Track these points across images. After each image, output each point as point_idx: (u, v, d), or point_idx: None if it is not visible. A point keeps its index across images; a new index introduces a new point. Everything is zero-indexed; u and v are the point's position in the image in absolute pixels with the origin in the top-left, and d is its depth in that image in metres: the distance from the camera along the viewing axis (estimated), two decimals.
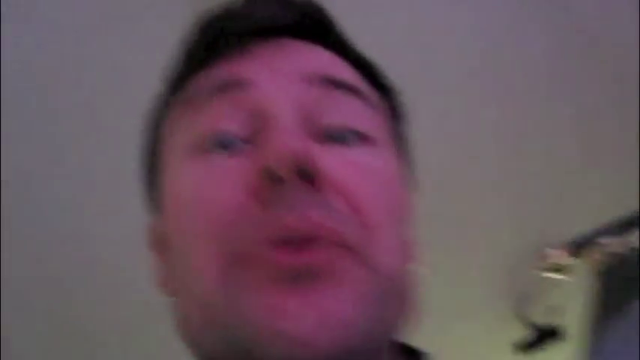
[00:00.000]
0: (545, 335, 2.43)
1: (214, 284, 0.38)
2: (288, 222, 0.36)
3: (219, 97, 0.43)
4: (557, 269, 1.90)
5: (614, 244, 1.83)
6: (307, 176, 0.37)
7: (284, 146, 0.37)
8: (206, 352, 0.40)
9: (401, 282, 0.41)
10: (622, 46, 1.80)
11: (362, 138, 0.43)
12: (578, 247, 1.81)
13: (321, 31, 0.48)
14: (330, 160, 0.40)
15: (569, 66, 1.86)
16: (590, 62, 1.84)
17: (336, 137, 0.42)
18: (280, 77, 0.43)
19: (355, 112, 0.44)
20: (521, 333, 2.50)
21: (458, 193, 1.99)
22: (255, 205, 0.38)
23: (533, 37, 1.83)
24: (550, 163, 2.11)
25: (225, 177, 0.40)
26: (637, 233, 1.92)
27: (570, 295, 2.37)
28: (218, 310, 0.37)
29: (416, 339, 0.47)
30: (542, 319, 2.49)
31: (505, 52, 1.84)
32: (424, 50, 1.72)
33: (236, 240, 0.38)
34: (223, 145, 0.42)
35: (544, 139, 2.05)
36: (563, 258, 1.86)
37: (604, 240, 1.78)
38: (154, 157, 0.49)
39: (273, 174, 0.37)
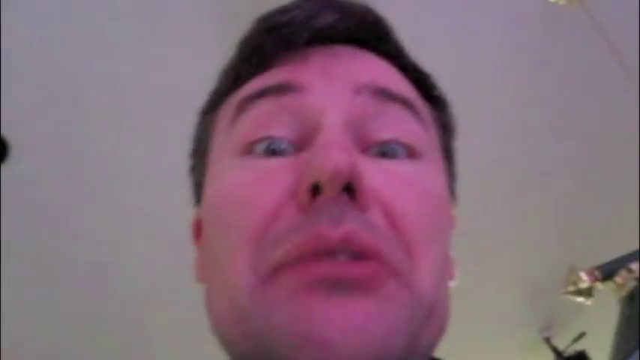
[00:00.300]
0: None
1: (249, 296, 0.37)
2: (326, 232, 0.36)
3: (271, 99, 0.42)
4: (586, 294, 1.86)
5: None
6: (352, 192, 0.37)
7: (331, 161, 0.36)
8: (232, 347, 0.40)
9: (439, 305, 0.40)
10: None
11: (410, 152, 0.42)
12: (608, 271, 1.77)
13: (378, 40, 0.47)
14: (376, 176, 0.39)
15: (602, 94, 1.85)
16: (618, 87, 1.82)
17: (384, 150, 0.41)
18: (334, 86, 0.42)
19: (405, 126, 0.43)
20: (547, 358, 2.46)
21: (485, 217, 1.97)
22: (295, 210, 0.38)
23: (559, 70, 1.83)
24: (580, 187, 2.09)
25: (267, 180, 0.39)
26: None
27: (597, 321, 2.33)
28: (251, 318, 0.37)
29: None
30: (569, 344, 2.44)
31: (534, 80, 1.83)
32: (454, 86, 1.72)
33: (272, 244, 0.37)
34: (270, 149, 0.41)
35: (575, 163, 2.03)
36: (592, 282, 1.82)
37: (634, 265, 1.74)
38: (202, 149, 0.49)
39: (317, 188, 0.37)
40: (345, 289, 0.35)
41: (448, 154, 0.49)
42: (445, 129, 0.49)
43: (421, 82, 0.48)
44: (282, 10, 0.44)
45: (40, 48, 1.55)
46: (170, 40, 1.59)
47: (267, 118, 0.42)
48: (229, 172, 0.42)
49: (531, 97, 1.88)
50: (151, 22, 1.56)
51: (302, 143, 0.41)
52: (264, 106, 0.42)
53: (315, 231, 0.36)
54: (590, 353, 2.38)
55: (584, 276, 1.78)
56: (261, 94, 0.43)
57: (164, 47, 1.60)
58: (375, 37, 0.47)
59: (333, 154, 0.36)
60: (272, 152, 0.41)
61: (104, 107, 1.70)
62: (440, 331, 0.41)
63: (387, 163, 0.41)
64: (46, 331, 2.17)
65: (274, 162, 0.40)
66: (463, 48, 1.74)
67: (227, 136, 0.44)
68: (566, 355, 2.43)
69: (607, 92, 1.86)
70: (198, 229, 0.48)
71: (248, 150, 0.42)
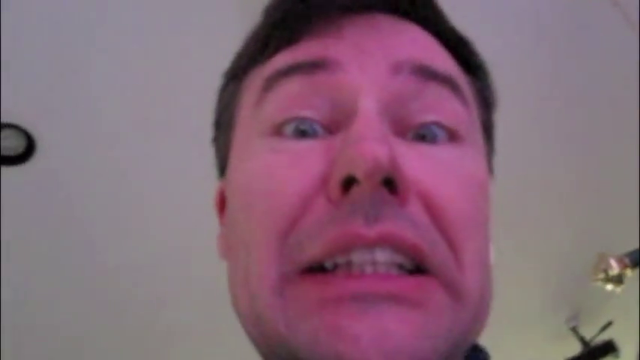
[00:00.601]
0: (599, 350, 2.36)
1: (271, 297, 0.35)
2: (361, 230, 0.33)
3: (302, 77, 0.39)
4: (616, 281, 1.83)
5: None
6: (390, 185, 0.34)
7: (369, 153, 0.33)
8: (253, 340, 0.39)
9: (484, 302, 0.38)
10: None
11: (452, 135, 0.39)
12: (638, 259, 1.74)
13: (417, 6, 0.43)
14: (416, 164, 0.36)
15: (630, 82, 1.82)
16: None
17: (423, 133, 0.38)
18: (370, 63, 0.39)
19: (447, 107, 0.39)
20: (574, 348, 2.44)
21: (511, 205, 1.95)
22: (326, 202, 0.35)
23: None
24: (609, 173, 2.06)
25: (297, 165, 0.37)
26: None
27: (625, 310, 2.30)
28: (272, 323, 0.35)
29: None
30: (596, 334, 2.41)
31: (560, 68, 1.81)
32: None
33: (301, 240, 0.35)
34: (300, 130, 0.38)
35: (604, 148, 2.00)
36: (622, 270, 1.79)
37: None
38: (227, 120, 0.46)
39: (351, 180, 0.34)
40: (384, 302, 0.33)
41: (488, 131, 0.46)
42: (485, 102, 0.46)
43: (461, 49, 0.45)
44: None
45: (56, 43, 1.55)
46: (193, 27, 1.58)
47: (298, 98, 0.39)
48: (257, 154, 0.39)
49: (558, 84, 1.85)
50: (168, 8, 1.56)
51: (334, 125, 0.38)
52: (295, 83, 0.39)
53: (349, 228, 0.34)
54: (618, 342, 2.35)
55: (613, 263, 1.75)
56: (291, 71, 0.40)
57: (186, 36, 1.60)
58: (413, 3, 0.43)
59: (370, 146, 0.33)
60: (302, 134, 0.38)
61: (123, 104, 1.70)
62: (483, 326, 0.39)
63: (426, 149, 0.38)
64: (56, 331, 2.19)
65: (304, 145, 0.38)
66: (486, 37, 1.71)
67: (254, 114, 0.41)
68: (593, 344, 2.41)
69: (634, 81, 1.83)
70: (221, 202, 0.47)
71: (277, 131, 0.39)
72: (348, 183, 0.34)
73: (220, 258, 0.45)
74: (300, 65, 0.39)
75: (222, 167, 0.47)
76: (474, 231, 0.37)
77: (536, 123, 1.92)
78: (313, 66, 0.39)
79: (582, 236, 2.22)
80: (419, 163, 0.36)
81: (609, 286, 1.83)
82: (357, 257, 0.34)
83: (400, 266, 0.34)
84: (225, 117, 0.46)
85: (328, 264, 0.35)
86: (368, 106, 0.37)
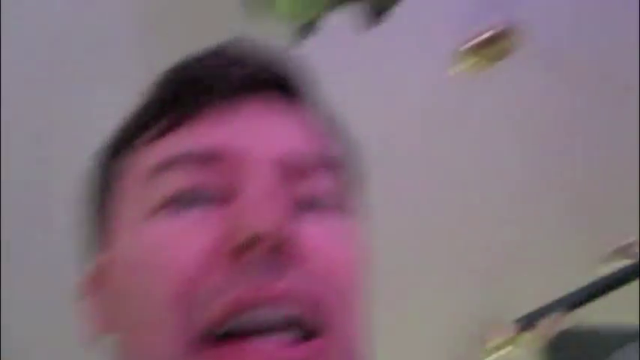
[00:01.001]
0: None
1: None
2: (267, 285, 0.36)
3: (194, 164, 0.41)
4: (505, 346, 1.88)
5: (563, 320, 1.84)
6: (287, 247, 0.37)
7: (265, 217, 0.36)
8: None
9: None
10: None
11: (335, 207, 0.43)
12: (530, 321, 1.81)
13: (293, 90, 0.46)
14: (310, 228, 0.39)
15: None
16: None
17: (312, 204, 0.41)
18: (260, 145, 0.41)
19: (331, 184, 0.43)
20: None
21: (400, 267, 1.97)
22: (227, 265, 0.37)
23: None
24: (496, 241, 2.12)
25: (194, 233, 0.38)
26: (584, 308, 1.93)
27: None
28: None
29: None
30: None
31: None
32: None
33: (204, 302, 0.36)
34: (194, 199, 0.40)
35: (492, 215, 2.07)
36: (512, 334, 1.85)
37: (552, 316, 1.78)
38: (109, 193, 0.46)
39: (250, 244, 0.36)
40: None
41: (359, 203, 0.49)
42: (355, 178, 0.49)
43: (333, 129, 0.48)
44: (199, 60, 0.44)
45: None
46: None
47: (190, 174, 0.40)
48: (152, 226, 0.40)
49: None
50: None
51: (230, 192, 0.40)
52: (187, 170, 0.41)
53: (253, 286, 0.36)
54: None
55: (506, 327, 1.80)
56: (183, 159, 0.41)
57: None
58: (290, 88, 0.46)
59: (267, 210, 0.37)
60: (196, 202, 0.40)
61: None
62: None
63: (318, 216, 0.41)
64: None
65: (200, 212, 0.39)
66: None
67: (145, 190, 0.42)
68: None
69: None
70: (99, 280, 0.45)
71: (171, 202, 0.40)
72: (248, 246, 0.36)
73: (98, 333, 0.45)
74: (191, 155, 0.41)
75: (100, 243, 0.47)
76: (359, 295, 0.42)
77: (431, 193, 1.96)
78: (205, 156, 0.41)
79: (477, 302, 2.26)
80: (313, 228, 0.40)
81: (504, 351, 1.88)
82: (262, 315, 0.36)
83: (301, 326, 0.37)
84: (107, 192, 0.46)
85: (234, 326, 0.36)
86: (262, 173, 0.39)
